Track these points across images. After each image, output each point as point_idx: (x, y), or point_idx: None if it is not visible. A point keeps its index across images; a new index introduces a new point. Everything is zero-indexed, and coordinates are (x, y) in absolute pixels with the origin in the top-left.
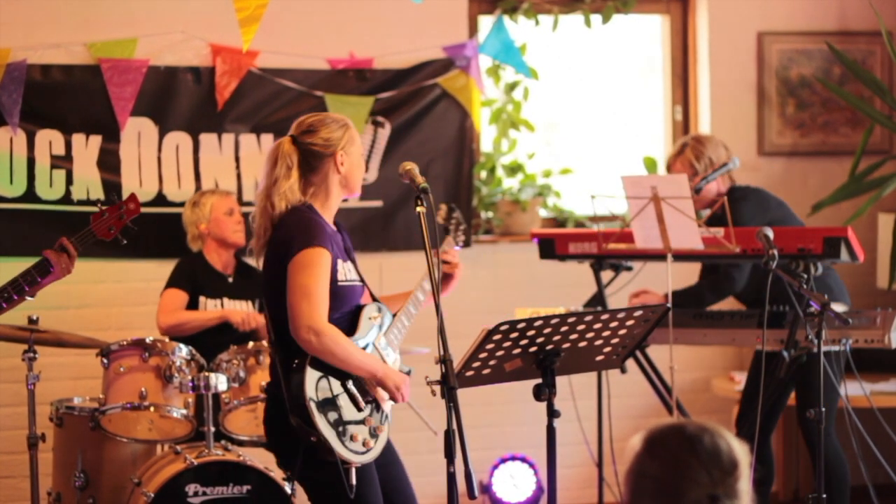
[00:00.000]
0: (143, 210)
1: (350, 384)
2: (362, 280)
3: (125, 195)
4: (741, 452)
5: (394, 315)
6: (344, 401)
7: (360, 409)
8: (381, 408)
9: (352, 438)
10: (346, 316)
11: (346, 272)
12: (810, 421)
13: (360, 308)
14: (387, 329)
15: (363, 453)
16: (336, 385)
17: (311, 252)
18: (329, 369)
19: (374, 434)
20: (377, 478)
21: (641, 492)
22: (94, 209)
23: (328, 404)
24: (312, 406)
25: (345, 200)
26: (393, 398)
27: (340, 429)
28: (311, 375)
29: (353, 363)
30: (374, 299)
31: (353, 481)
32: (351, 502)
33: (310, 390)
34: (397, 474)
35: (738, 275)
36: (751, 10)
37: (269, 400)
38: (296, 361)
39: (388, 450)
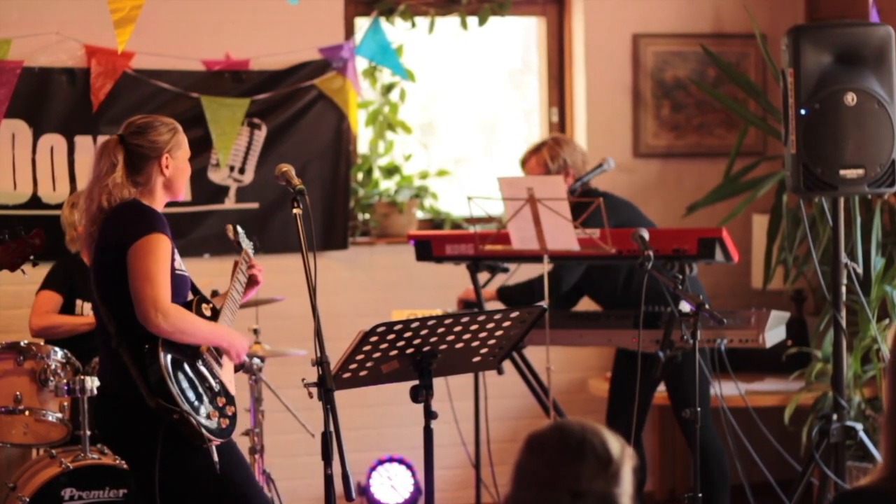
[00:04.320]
0: (18, 213)
1: (199, 364)
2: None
3: None
4: (619, 452)
5: (218, 309)
6: (195, 380)
7: (211, 389)
8: (227, 388)
9: (208, 416)
10: (180, 305)
11: (179, 262)
12: (688, 420)
13: (189, 302)
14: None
15: (220, 431)
16: (187, 365)
17: (151, 238)
18: (179, 350)
19: (224, 413)
20: (243, 456)
21: (519, 485)
22: None
23: (183, 383)
24: (171, 385)
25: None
26: (231, 359)
27: (197, 406)
28: (166, 356)
29: (202, 336)
30: (196, 293)
31: (216, 458)
32: (219, 480)
33: (167, 370)
34: None
35: (567, 276)
36: (626, 12)
37: (110, 398)
38: (147, 346)
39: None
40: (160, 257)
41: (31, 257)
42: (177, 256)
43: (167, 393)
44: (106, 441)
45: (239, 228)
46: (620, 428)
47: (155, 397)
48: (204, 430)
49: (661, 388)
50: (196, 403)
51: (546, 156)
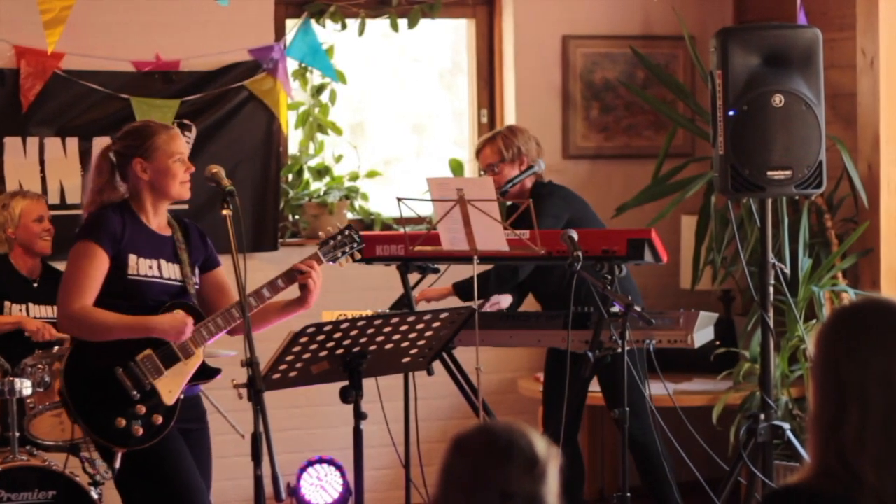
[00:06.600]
0: None
1: (119, 371)
2: (184, 282)
3: None
4: (544, 452)
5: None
6: (110, 386)
7: (127, 398)
8: (159, 397)
9: (114, 423)
10: (143, 311)
11: (145, 268)
12: (617, 420)
13: (163, 305)
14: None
15: (127, 439)
16: (103, 371)
17: (80, 245)
18: (101, 355)
19: (145, 422)
20: (186, 461)
21: (446, 487)
22: None
23: (88, 388)
24: (68, 390)
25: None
26: (176, 340)
27: (100, 412)
28: (75, 360)
29: (117, 330)
30: (183, 304)
31: (116, 465)
32: (157, 486)
33: (70, 374)
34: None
35: (523, 266)
36: (556, 13)
37: None
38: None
39: (197, 442)
40: (80, 264)
41: None
42: (134, 262)
43: (66, 398)
44: None
45: (353, 234)
46: (555, 429)
47: (63, 399)
48: (99, 439)
49: (594, 387)
50: (99, 408)
51: (500, 144)
